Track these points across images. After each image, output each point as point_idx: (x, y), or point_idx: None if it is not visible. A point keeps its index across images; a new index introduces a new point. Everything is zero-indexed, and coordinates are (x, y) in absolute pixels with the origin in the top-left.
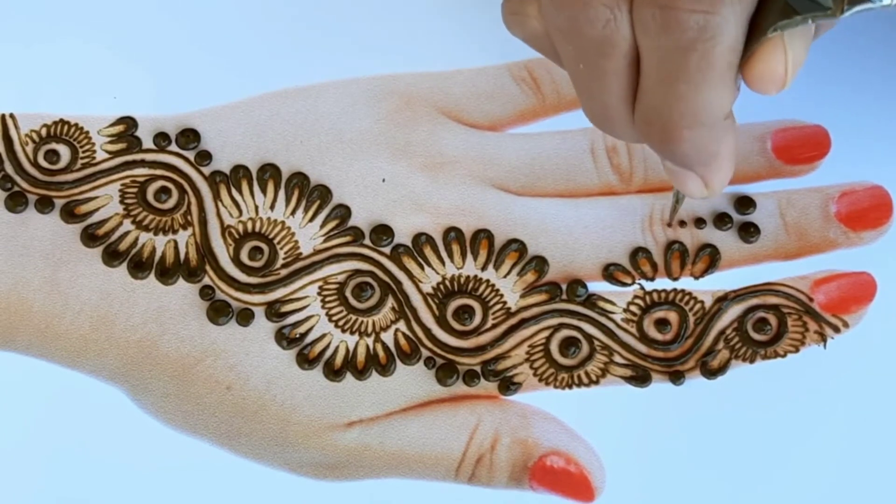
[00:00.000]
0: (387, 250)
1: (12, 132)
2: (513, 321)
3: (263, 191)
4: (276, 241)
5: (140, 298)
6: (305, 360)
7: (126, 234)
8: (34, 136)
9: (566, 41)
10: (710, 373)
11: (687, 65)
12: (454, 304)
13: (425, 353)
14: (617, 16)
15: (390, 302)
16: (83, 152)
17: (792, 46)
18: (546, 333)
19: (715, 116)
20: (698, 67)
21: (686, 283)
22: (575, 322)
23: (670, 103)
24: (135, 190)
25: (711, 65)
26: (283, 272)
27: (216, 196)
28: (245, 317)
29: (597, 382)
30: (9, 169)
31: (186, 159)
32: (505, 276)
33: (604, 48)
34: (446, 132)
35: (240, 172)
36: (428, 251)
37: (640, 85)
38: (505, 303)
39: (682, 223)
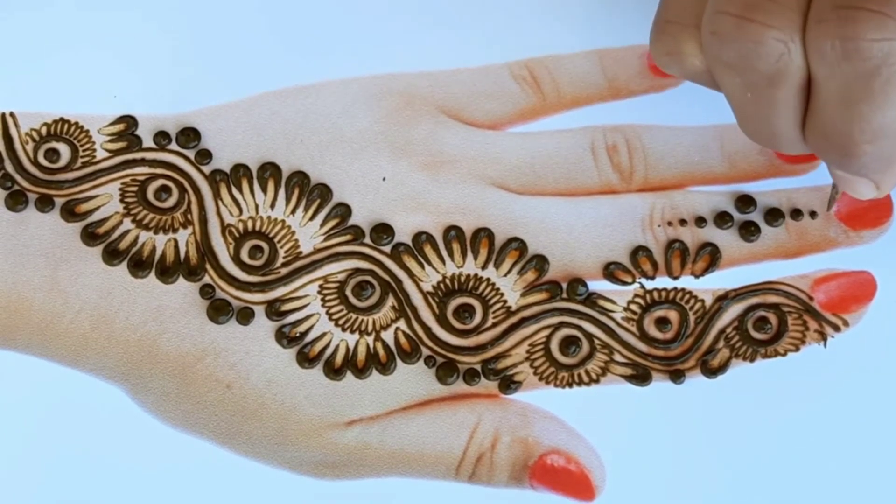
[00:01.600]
0: (387, 249)
1: (12, 131)
2: (513, 320)
3: (264, 190)
4: (276, 240)
5: (140, 297)
6: (306, 359)
7: (126, 232)
8: (34, 134)
9: (735, 75)
10: (711, 372)
11: (871, 89)
12: (454, 303)
13: (426, 351)
14: (791, 48)
15: (391, 301)
16: (83, 151)
17: None
18: (546, 332)
19: (894, 129)
20: (882, 90)
21: (686, 281)
22: (575, 321)
23: (851, 123)
24: (135, 189)
25: (894, 86)
26: (284, 271)
27: (216, 195)
28: (245, 315)
29: (597, 381)
30: (9, 167)
31: (187, 158)
32: (505, 275)
33: (777, 80)
34: (446, 131)
35: (240, 171)
36: (428, 250)
37: (813, 106)
38: (505, 301)
39: (683, 221)
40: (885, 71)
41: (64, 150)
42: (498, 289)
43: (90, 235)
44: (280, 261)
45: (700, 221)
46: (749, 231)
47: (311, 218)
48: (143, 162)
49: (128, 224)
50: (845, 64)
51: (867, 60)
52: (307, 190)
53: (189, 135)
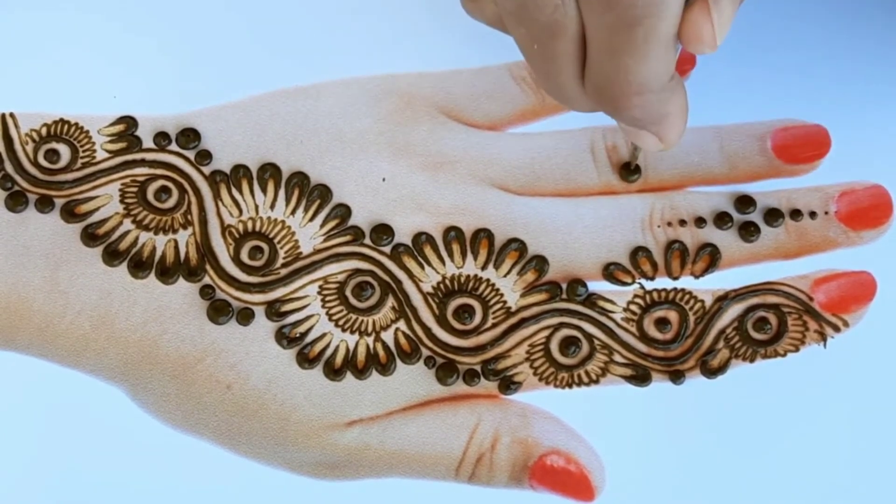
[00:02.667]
0: (387, 250)
1: (12, 131)
2: (513, 320)
3: (264, 190)
4: (276, 241)
5: (140, 298)
6: (305, 360)
7: (126, 233)
8: (34, 135)
9: (518, 25)
10: (711, 372)
11: (633, 39)
12: (454, 304)
13: (425, 352)
14: (565, 0)
15: (390, 301)
16: (83, 152)
17: (718, 8)
18: (546, 333)
19: (661, 82)
20: (644, 41)
21: (686, 282)
22: (575, 321)
23: (618, 75)
24: (135, 189)
25: (656, 38)
26: (284, 271)
27: (216, 195)
28: (245, 316)
29: (597, 382)
30: (9, 168)
31: (187, 159)
32: (505, 276)
33: (554, 31)
34: (446, 132)
35: (240, 172)
36: (428, 250)
37: (588, 59)
38: (505, 302)
39: (683, 222)
40: (646, 22)
41: (64, 151)
42: (498, 289)
43: (90, 236)
44: (280, 261)
45: (700, 222)
46: (749, 231)
47: (311, 218)
48: (143, 163)
49: (128, 225)
50: (609, 13)
51: (628, 9)
52: (307, 190)
53: (189, 135)
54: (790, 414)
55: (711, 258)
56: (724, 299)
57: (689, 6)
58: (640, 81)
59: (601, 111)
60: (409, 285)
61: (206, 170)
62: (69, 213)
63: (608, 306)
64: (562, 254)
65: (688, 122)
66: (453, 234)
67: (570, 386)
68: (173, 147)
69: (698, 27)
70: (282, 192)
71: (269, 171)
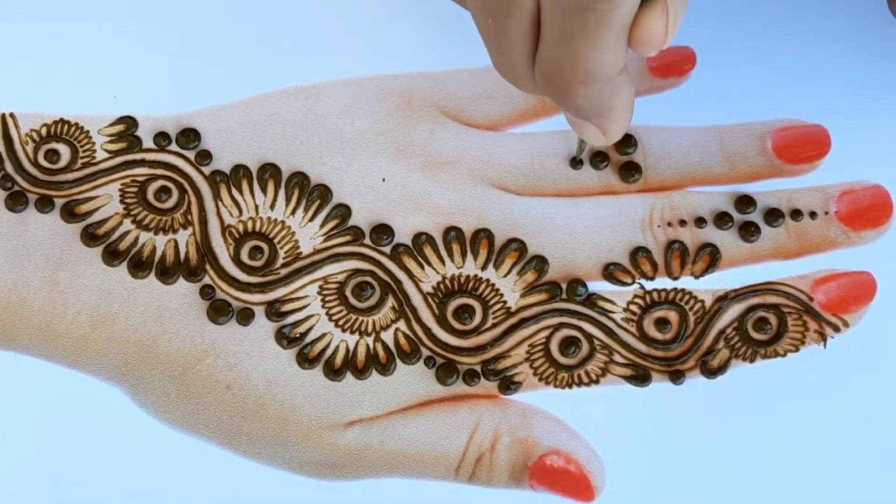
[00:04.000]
0: (387, 250)
1: (12, 131)
2: (513, 320)
3: (264, 190)
4: (276, 241)
5: (140, 298)
6: (305, 360)
7: (126, 233)
8: (34, 135)
9: None
10: (711, 372)
11: (585, 24)
12: (454, 304)
13: (425, 352)
14: None
15: (390, 301)
16: (83, 152)
17: (673, 7)
18: (546, 333)
19: (609, 73)
20: (596, 27)
21: (686, 282)
22: (575, 321)
23: (568, 60)
24: (135, 189)
25: (609, 26)
26: (284, 272)
27: (216, 195)
28: (245, 316)
29: (597, 382)
30: (9, 168)
31: (187, 159)
32: (505, 276)
33: (509, 7)
34: (446, 132)
35: (240, 172)
36: (428, 251)
37: (540, 41)
38: (505, 302)
39: (683, 222)
40: (600, 7)
41: (64, 151)
42: (498, 289)
43: (90, 236)
44: (280, 261)
45: (700, 222)
46: (749, 231)
47: (311, 218)
48: (143, 163)
49: (128, 225)
50: None
51: None
52: (307, 190)
53: (189, 135)
54: (790, 414)
55: (711, 258)
56: (724, 299)
57: (646, 5)
58: (588, 69)
59: (548, 97)
60: (409, 285)
61: (206, 170)
62: (69, 213)
63: (608, 306)
64: (562, 254)
65: (689, 122)
66: (453, 234)
67: (570, 386)
68: (173, 147)
69: (653, 26)
70: (282, 192)
71: (269, 171)
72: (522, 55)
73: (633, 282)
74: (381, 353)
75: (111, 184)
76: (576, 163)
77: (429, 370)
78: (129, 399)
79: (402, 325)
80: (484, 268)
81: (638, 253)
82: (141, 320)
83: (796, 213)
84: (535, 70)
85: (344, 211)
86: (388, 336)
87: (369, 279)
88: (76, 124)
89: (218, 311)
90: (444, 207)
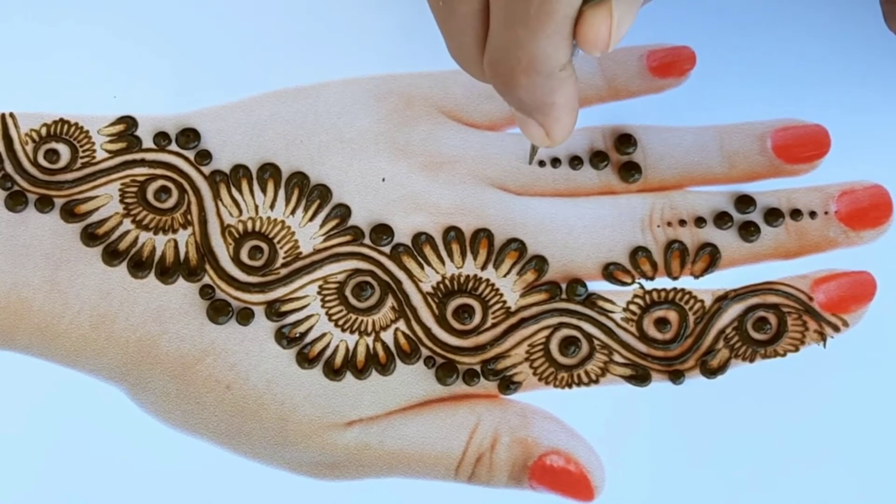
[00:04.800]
0: (387, 250)
1: (12, 131)
2: (513, 320)
3: (263, 190)
4: (275, 241)
5: (140, 298)
6: (305, 360)
7: (126, 233)
8: (34, 135)
9: None
10: (710, 372)
11: (527, 10)
12: (454, 304)
13: (425, 352)
14: None
15: (390, 301)
16: (83, 152)
17: (619, 10)
18: (546, 333)
19: (550, 66)
20: (538, 14)
21: (686, 282)
22: (575, 321)
23: (510, 47)
24: (135, 189)
25: (548, 13)
26: (283, 271)
27: (216, 195)
28: (245, 316)
29: (596, 382)
30: (9, 168)
31: (186, 159)
32: (505, 276)
33: None
34: (446, 132)
35: (240, 172)
36: (428, 250)
37: (490, 28)
38: (505, 302)
39: (682, 222)
40: None
41: (64, 151)
42: (497, 289)
43: (90, 236)
44: (280, 261)
45: (700, 222)
46: (749, 231)
47: (311, 218)
48: (142, 163)
49: (127, 224)
50: None
51: None
52: (307, 190)
53: (189, 135)
54: (790, 414)
55: (711, 258)
56: (724, 299)
57: (590, 6)
58: (529, 58)
59: (493, 86)
60: (408, 285)
61: (206, 170)
62: (69, 213)
63: (608, 306)
64: (561, 254)
65: (689, 123)
66: (453, 234)
67: (569, 386)
68: (173, 147)
69: (596, 27)
70: (281, 192)
71: (269, 171)
72: (473, 40)
73: (633, 282)
74: (380, 352)
75: (111, 184)
76: (537, 165)
77: (428, 370)
78: (129, 399)
79: (401, 324)
80: (484, 268)
81: (638, 253)
82: (141, 320)
83: (796, 213)
84: (484, 58)
85: (344, 211)
86: (387, 336)
87: (369, 279)
88: (76, 124)
89: (218, 310)
90: (443, 207)
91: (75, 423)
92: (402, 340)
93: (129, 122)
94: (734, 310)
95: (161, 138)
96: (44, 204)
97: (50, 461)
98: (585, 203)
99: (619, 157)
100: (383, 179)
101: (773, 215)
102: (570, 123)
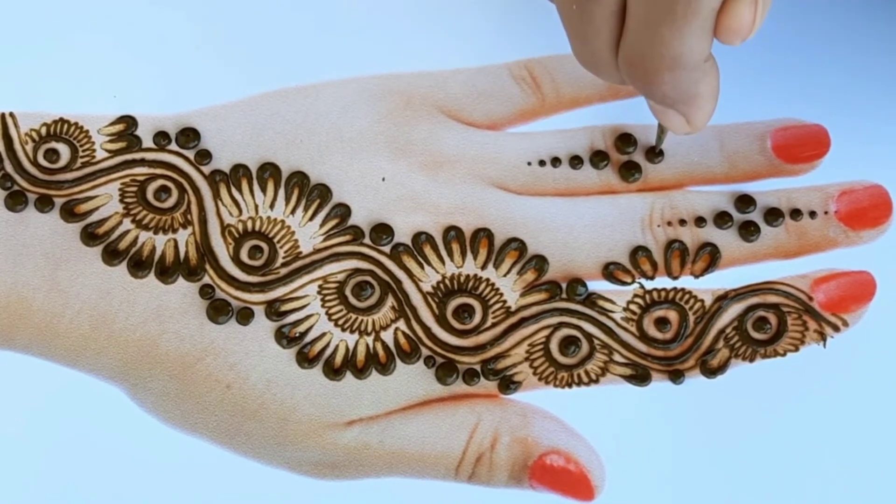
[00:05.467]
0: (387, 249)
1: (12, 131)
2: (513, 320)
3: (263, 190)
4: (275, 240)
5: (140, 297)
6: (305, 359)
7: (126, 232)
8: (34, 134)
9: None
10: (710, 372)
11: (672, 11)
12: (454, 303)
13: (425, 351)
14: None
15: (390, 301)
16: (83, 151)
17: None
18: (546, 332)
19: (695, 60)
20: (683, 14)
21: (686, 281)
22: (575, 321)
23: (653, 47)
24: (135, 189)
25: (696, 11)
26: (283, 271)
27: (216, 195)
28: (245, 316)
29: (597, 381)
30: (8, 168)
31: (186, 158)
32: (505, 275)
33: None
34: (446, 131)
35: (240, 171)
36: (428, 250)
37: (625, 28)
38: (505, 302)
39: (683, 221)
40: None
41: (63, 151)
42: (497, 289)
43: (90, 235)
44: (280, 261)
45: (700, 221)
46: (749, 231)
47: (311, 218)
48: (142, 162)
49: (127, 224)
50: None
51: None
52: (307, 190)
53: (189, 135)
54: (790, 413)
55: (711, 258)
56: (724, 299)
57: None
58: (674, 55)
59: (631, 84)
60: (408, 285)
61: (206, 169)
62: (69, 213)
63: (608, 306)
64: (561, 253)
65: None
66: (453, 233)
67: (569, 385)
68: (173, 146)
69: (740, 16)
70: (281, 192)
71: (269, 171)
72: (606, 42)
73: (633, 281)
74: (380, 352)
75: (111, 183)
76: (654, 154)
77: (428, 370)
78: (129, 398)
79: (401, 324)
80: (484, 267)
81: (638, 252)
82: (140, 320)
83: (796, 213)
84: (618, 57)
85: (344, 210)
86: (387, 335)
87: (369, 279)
88: (76, 124)
89: (217, 310)
90: (443, 207)
91: (75, 422)
92: (402, 340)
93: (128, 122)
94: (734, 309)
95: (161, 138)
96: (44, 203)
97: (50, 461)
98: (585, 202)
99: (620, 156)
100: (383, 179)
101: (773, 215)
102: (712, 110)
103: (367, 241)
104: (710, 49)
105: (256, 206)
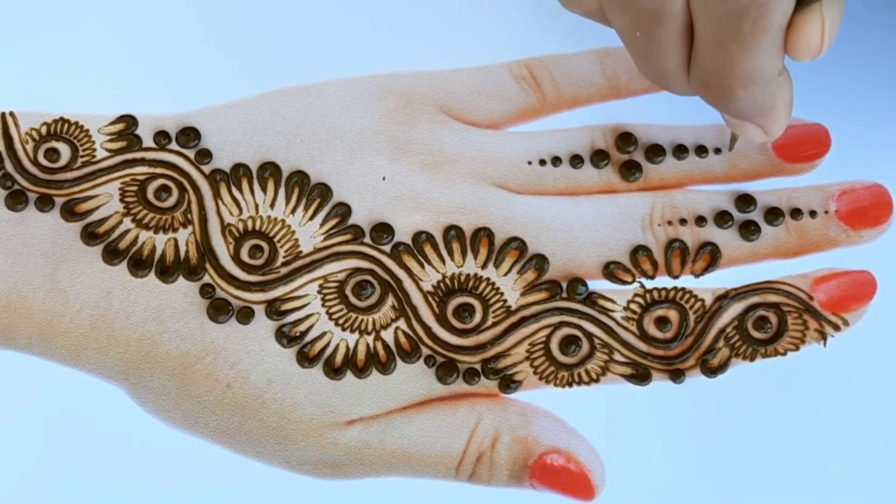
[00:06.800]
0: (387, 248)
1: (12, 130)
2: (513, 319)
3: (264, 189)
4: (276, 240)
5: (140, 297)
6: (306, 359)
7: (126, 232)
8: (34, 134)
9: (622, 13)
10: (711, 371)
11: (740, 29)
12: (454, 303)
13: (425, 351)
14: None
15: (390, 300)
16: (83, 150)
17: (829, 15)
18: (546, 332)
19: (769, 75)
20: (751, 32)
21: (686, 281)
22: (575, 320)
23: (725, 65)
24: (135, 188)
25: (764, 29)
26: (284, 270)
27: (216, 194)
28: (245, 315)
29: (597, 381)
30: (9, 167)
31: (187, 158)
32: (505, 275)
33: (659, 18)
34: (446, 130)
35: (240, 171)
36: (428, 249)
37: (694, 48)
38: (505, 301)
39: (683, 221)
40: (753, 12)
41: (64, 150)
42: (498, 288)
43: (90, 235)
44: (280, 260)
45: (700, 221)
46: (749, 230)
47: (311, 217)
48: (143, 161)
49: (128, 223)
50: (717, 3)
51: (737, 0)
52: (307, 189)
53: (189, 134)
54: (790, 413)
55: (712, 257)
56: (725, 298)
57: (801, 12)
58: (747, 73)
59: (705, 101)
60: (409, 284)
61: (206, 169)
62: (69, 212)
63: (608, 305)
64: (562, 252)
65: (689, 122)
66: (453, 232)
67: (570, 385)
68: (173, 146)
69: (808, 34)
70: (282, 191)
71: (269, 170)
72: (676, 62)
73: (634, 280)
74: (381, 351)
75: (111, 182)
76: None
77: (429, 369)
78: (129, 398)
79: (402, 323)
80: (484, 266)
81: (638, 252)
82: (141, 319)
83: (796, 212)
84: (690, 76)
85: (344, 210)
86: (388, 335)
87: (369, 278)
88: (76, 123)
89: (218, 309)
90: (444, 206)
91: (75, 422)
92: (403, 339)
93: (129, 121)
94: (734, 309)
95: (161, 137)
96: (44, 203)
97: (50, 461)
98: (586, 202)
99: (620, 155)
100: (384, 178)
101: (773, 214)
102: (787, 119)
103: (367, 240)
104: (781, 63)
105: (257, 206)
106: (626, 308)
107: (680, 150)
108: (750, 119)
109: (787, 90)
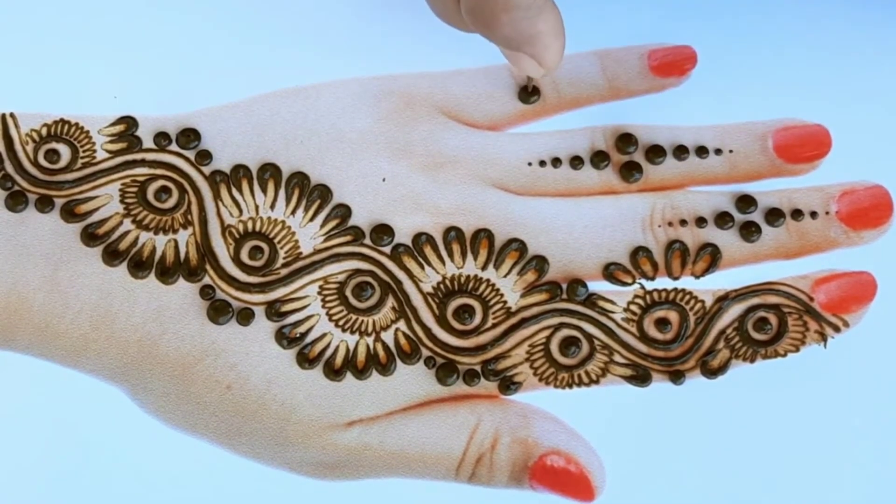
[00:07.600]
0: (387, 250)
1: (12, 131)
2: (513, 321)
3: (264, 190)
4: (276, 241)
5: (140, 298)
6: (306, 360)
7: (126, 233)
8: (34, 135)
9: None
10: (711, 372)
11: None
12: (454, 304)
13: (425, 352)
14: None
15: (390, 301)
16: (83, 152)
17: None
18: (546, 333)
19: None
20: None
21: (687, 282)
22: (575, 321)
23: None
24: (135, 189)
25: None
26: (284, 272)
27: (216, 195)
28: (245, 316)
29: (597, 382)
30: (9, 168)
31: (187, 159)
32: (505, 276)
33: None
34: (446, 132)
35: (240, 172)
36: (428, 251)
37: None
38: (505, 302)
39: (683, 222)
40: None
41: (64, 151)
42: (498, 289)
43: (90, 236)
44: (280, 261)
45: (700, 222)
46: (749, 231)
47: (312, 219)
48: (143, 163)
49: (128, 225)
50: None
51: None
52: (307, 190)
53: (189, 135)
54: (790, 414)
55: (712, 258)
56: (725, 299)
57: None
58: None
59: (477, 32)
60: (409, 285)
61: (207, 170)
62: (69, 213)
63: (608, 306)
64: (562, 254)
65: (690, 122)
66: (453, 234)
67: (570, 386)
68: (173, 147)
69: None
70: (282, 192)
71: (270, 171)
72: None
73: (634, 282)
74: (381, 353)
75: (111, 184)
76: (527, 93)
77: (429, 370)
78: (129, 399)
79: (402, 325)
80: (484, 268)
81: (638, 253)
82: (141, 320)
83: (797, 213)
84: (461, 7)
85: (344, 211)
86: (388, 336)
87: (369, 279)
88: (76, 124)
89: (218, 311)
90: (444, 207)
91: (76, 423)
92: (403, 340)
93: (129, 123)
94: (735, 310)
95: (161, 138)
96: (44, 204)
97: (50, 461)
98: (586, 203)
99: (620, 156)
100: (384, 179)
101: (773, 215)
102: (560, 47)
103: (367, 241)
104: None
105: (257, 207)
106: (626, 309)
107: (680, 151)
108: (520, 48)
109: (550, 14)
